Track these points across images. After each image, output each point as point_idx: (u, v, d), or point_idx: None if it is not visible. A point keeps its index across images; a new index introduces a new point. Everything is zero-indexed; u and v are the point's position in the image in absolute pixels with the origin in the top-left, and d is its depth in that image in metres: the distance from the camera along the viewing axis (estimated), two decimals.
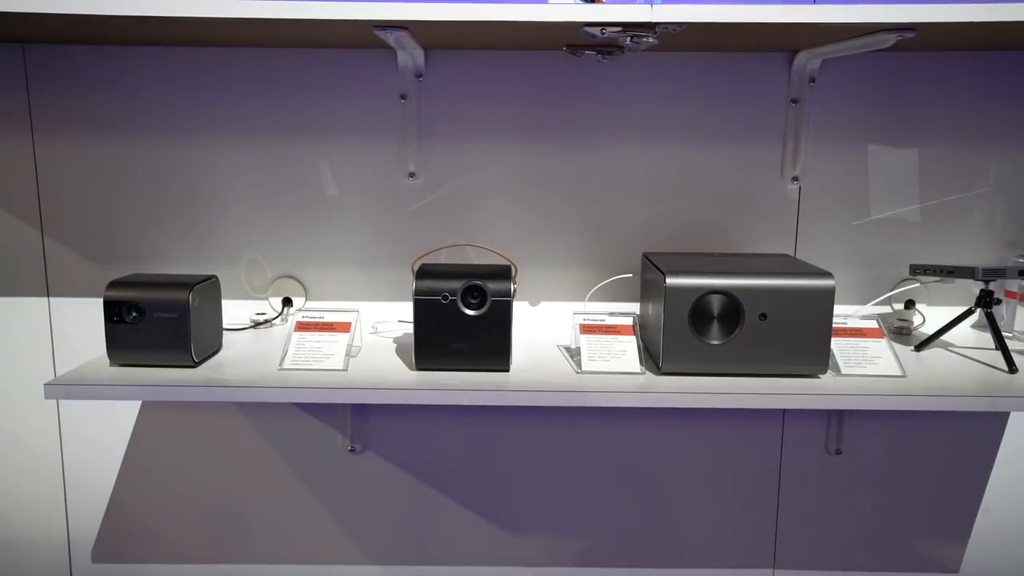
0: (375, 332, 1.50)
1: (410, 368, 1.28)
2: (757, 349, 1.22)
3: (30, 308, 1.55)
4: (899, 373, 1.24)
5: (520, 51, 1.47)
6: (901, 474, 1.61)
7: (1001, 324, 1.45)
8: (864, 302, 1.54)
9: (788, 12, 1.11)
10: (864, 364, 1.26)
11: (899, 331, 1.50)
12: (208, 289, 1.31)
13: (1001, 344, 1.31)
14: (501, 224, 1.53)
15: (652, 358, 1.30)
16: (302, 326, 1.31)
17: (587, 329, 1.31)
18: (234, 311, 1.53)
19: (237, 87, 1.48)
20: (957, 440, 1.60)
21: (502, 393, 1.18)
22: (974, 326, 1.55)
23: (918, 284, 1.54)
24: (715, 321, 1.22)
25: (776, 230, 1.54)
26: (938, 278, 1.46)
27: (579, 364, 1.26)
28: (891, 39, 1.18)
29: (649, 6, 1.12)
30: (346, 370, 1.25)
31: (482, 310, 1.23)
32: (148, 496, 1.62)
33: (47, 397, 1.17)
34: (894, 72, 1.48)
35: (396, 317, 1.55)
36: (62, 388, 1.17)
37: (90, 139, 1.50)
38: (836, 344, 1.27)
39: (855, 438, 1.60)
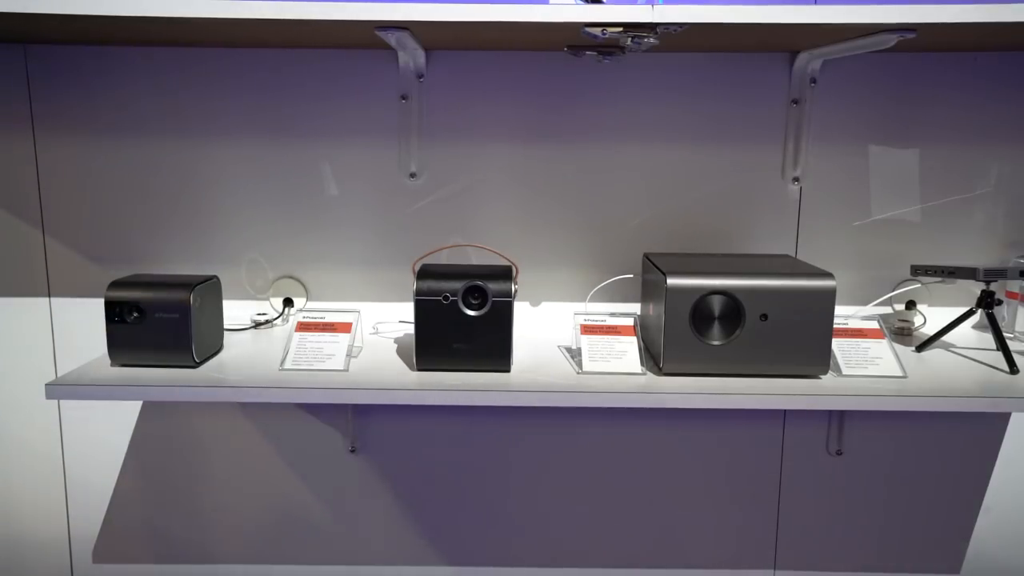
0: (376, 332, 1.50)
1: (411, 368, 1.28)
2: (758, 350, 1.22)
3: (31, 308, 1.55)
4: (900, 374, 1.24)
5: (521, 52, 1.47)
6: (902, 475, 1.61)
7: (1002, 325, 1.45)
8: (865, 303, 1.54)
9: (789, 13, 1.11)
10: (865, 365, 1.26)
11: (900, 332, 1.50)
12: (209, 289, 1.31)
13: (1002, 345, 1.31)
14: (502, 224, 1.53)
15: (653, 358, 1.30)
16: (303, 326, 1.31)
17: (588, 329, 1.31)
18: (235, 311, 1.54)
19: (238, 87, 1.48)
20: (958, 441, 1.60)
21: (503, 394, 1.18)
22: (975, 327, 1.55)
23: (919, 285, 1.53)
24: (716, 322, 1.22)
25: (777, 230, 1.54)
26: (939, 279, 1.46)
27: (580, 364, 1.26)
28: (892, 40, 1.17)
29: (650, 7, 1.12)
30: (347, 370, 1.25)
31: (483, 310, 1.23)
32: (149, 496, 1.62)
33: (48, 397, 1.17)
34: (895, 73, 1.48)
35: (397, 317, 1.55)
36: (63, 388, 1.17)
37: (91, 139, 1.50)
38: (837, 345, 1.27)
39: (856, 439, 1.60)
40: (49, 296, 1.55)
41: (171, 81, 1.48)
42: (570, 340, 1.44)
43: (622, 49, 1.26)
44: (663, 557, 1.65)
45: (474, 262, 1.53)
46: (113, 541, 1.64)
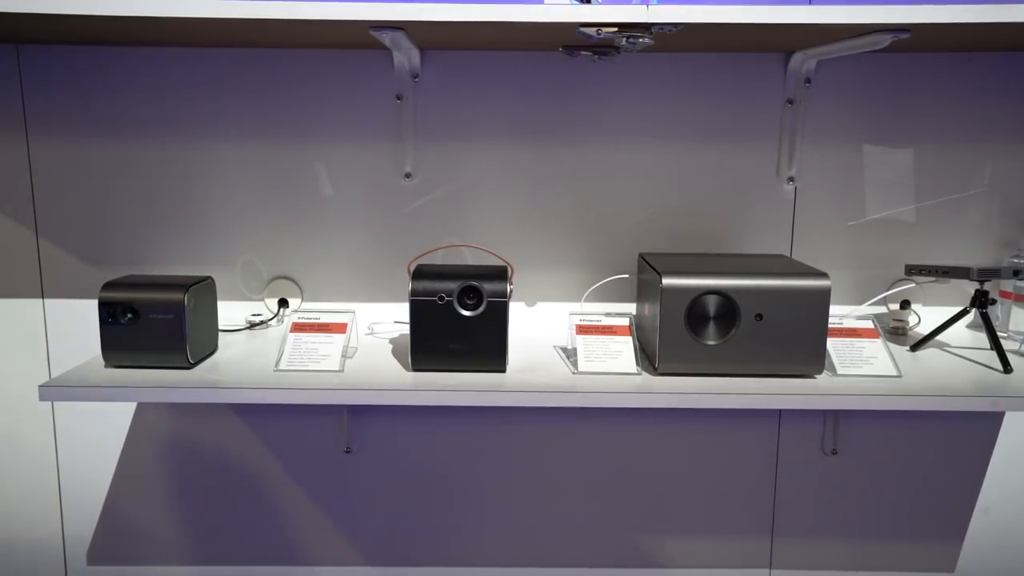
0: (371, 333, 1.50)
1: (406, 369, 1.27)
2: (753, 349, 1.22)
3: (25, 309, 1.54)
4: (895, 373, 1.24)
5: (516, 51, 1.47)
6: (897, 474, 1.61)
7: (996, 324, 1.46)
8: (860, 302, 1.54)
9: (784, 13, 1.12)
10: (860, 364, 1.26)
11: (895, 331, 1.51)
12: (204, 290, 1.30)
13: (996, 344, 1.31)
14: (497, 225, 1.53)
15: (648, 359, 1.30)
16: (298, 327, 1.31)
17: (583, 330, 1.31)
18: (230, 312, 1.53)
19: (233, 88, 1.48)
20: (953, 440, 1.60)
21: (498, 394, 1.18)
22: (969, 326, 1.56)
23: (913, 284, 1.54)
24: (711, 322, 1.22)
25: (772, 230, 1.54)
26: (933, 278, 1.46)
27: (575, 365, 1.26)
28: (886, 40, 1.18)
29: (645, 7, 1.12)
30: (342, 371, 1.25)
31: (478, 311, 1.23)
32: (144, 498, 1.62)
33: (42, 399, 1.17)
34: (890, 73, 1.49)
35: (392, 318, 1.55)
36: (57, 390, 1.17)
37: (85, 140, 1.49)
38: (832, 344, 1.27)
39: (851, 438, 1.60)
40: (43, 297, 1.54)
41: (165, 81, 1.48)
42: (566, 340, 1.44)
43: (617, 49, 1.26)
44: (659, 557, 1.65)
45: (469, 262, 1.53)
46: (108, 543, 1.64)
